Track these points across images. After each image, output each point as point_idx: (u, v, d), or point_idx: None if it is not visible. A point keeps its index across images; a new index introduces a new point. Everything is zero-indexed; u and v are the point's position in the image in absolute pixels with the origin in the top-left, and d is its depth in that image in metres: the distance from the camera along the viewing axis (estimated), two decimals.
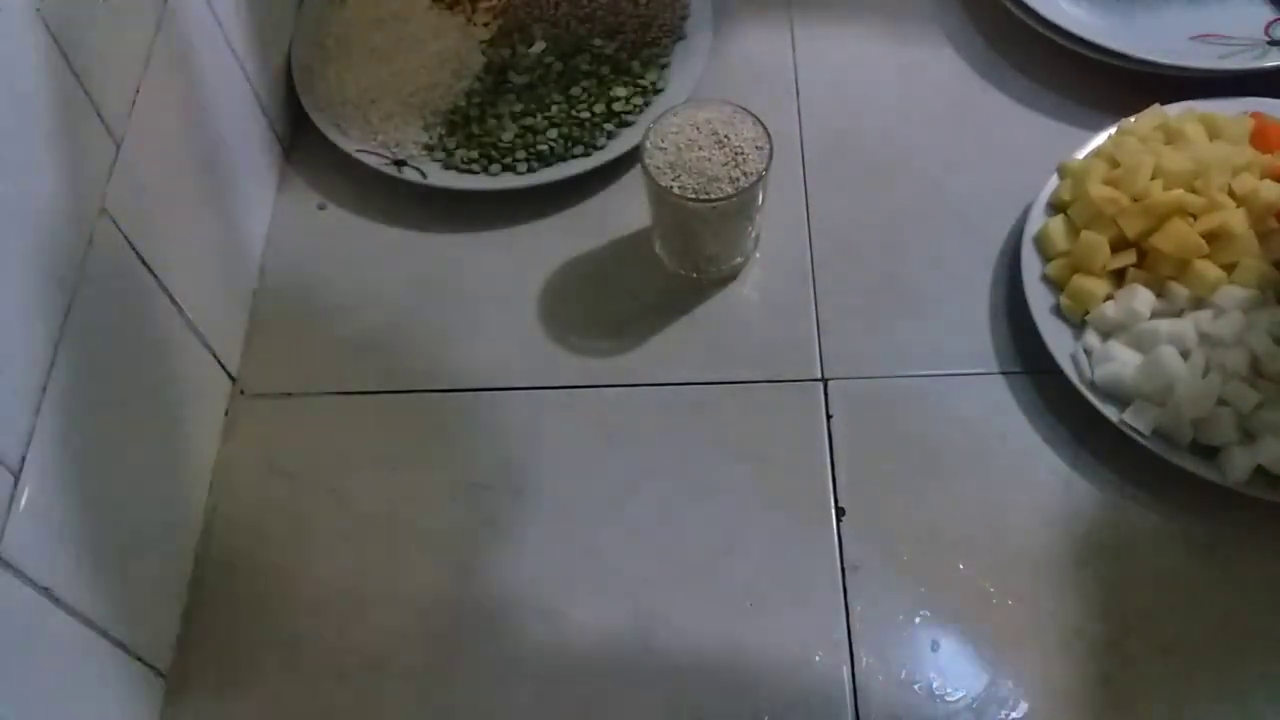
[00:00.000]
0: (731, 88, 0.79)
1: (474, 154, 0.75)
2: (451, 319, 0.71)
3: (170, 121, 0.63)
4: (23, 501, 0.48)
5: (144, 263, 0.59)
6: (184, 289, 0.63)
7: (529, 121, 0.76)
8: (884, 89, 0.80)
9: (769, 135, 0.66)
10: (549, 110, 0.76)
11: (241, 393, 0.69)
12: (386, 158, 0.76)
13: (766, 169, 0.65)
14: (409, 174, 0.75)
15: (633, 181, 0.76)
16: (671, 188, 0.65)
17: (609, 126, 0.77)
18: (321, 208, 0.77)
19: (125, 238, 0.57)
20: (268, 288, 0.74)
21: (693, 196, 0.65)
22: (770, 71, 0.81)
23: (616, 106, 0.77)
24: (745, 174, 0.65)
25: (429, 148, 0.76)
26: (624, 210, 0.75)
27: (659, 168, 0.66)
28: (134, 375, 0.58)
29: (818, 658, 0.59)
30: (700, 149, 0.66)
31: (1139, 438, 0.61)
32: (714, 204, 0.65)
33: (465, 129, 0.77)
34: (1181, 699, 0.57)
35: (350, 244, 0.75)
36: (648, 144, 0.67)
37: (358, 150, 0.76)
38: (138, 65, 0.60)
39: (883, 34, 0.83)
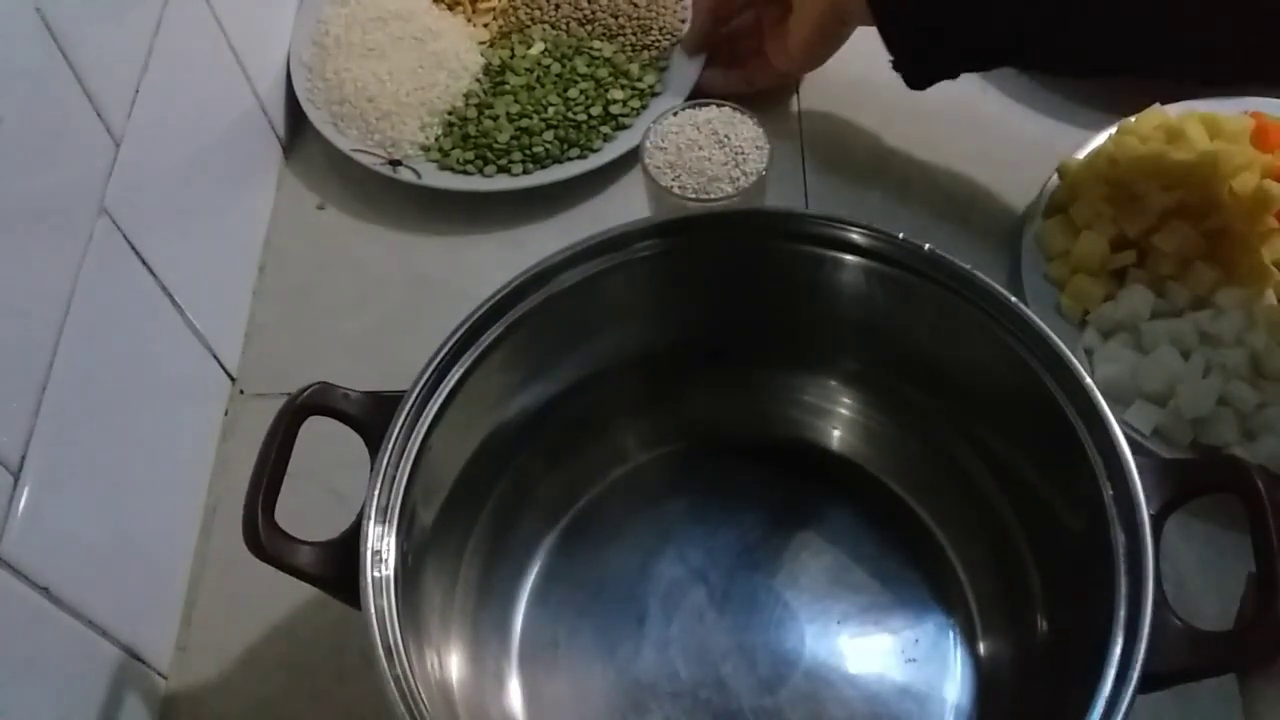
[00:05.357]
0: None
1: (469, 155, 0.75)
2: (451, 319, 0.71)
3: (170, 121, 0.63)
4: (22, 501, 0.48)
5: (144, 262, 0.59)
6: (184, 289, 0.63)
7: (525, 123, 0.76)
8: (884, 88, 0.79)
9: (768, 135, 0.66)
10: (546, 112, 0.76)
11: (241, 392, 0.69)
12: (382, 157, 0.76)
13: (766, 169, 0.65)
14: (404, 174, 0.75)
15: (631, 183, 0.76)
16: (671, 187, 0.65)
17: (605, 129, 0.76)
18: (321, 208, 0.77)
19: (125, 237, 0.57)
20: (267, 288, 0.74)
21: (693, 196, 0.65)
22: None
23: (613, 109, 0.77)
24: (745, 174, 0.65)
25: (425, 148, 0.76)
26: (622, 212, 0.74)
27: (659, 167, 0.66)
28: (133, 375, 0.58)
29: None
30: (700, 149, 0.66)
31: (1139, 438, 0.61)
32: (714, 204, 0.65)
33: (462, 129, 0.76)
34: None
35: (350, 244, 0.75)
36: (648, 144, 0.66)
37: (354, 150, 0.76)
38: (138, 65, 0.60)
39: None
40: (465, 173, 0.75)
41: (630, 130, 0.77)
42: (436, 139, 0.77)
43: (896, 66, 0.70)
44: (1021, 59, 0.73)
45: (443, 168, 0.75)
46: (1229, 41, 0.60)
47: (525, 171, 0.75)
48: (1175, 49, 0.62)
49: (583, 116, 0.76)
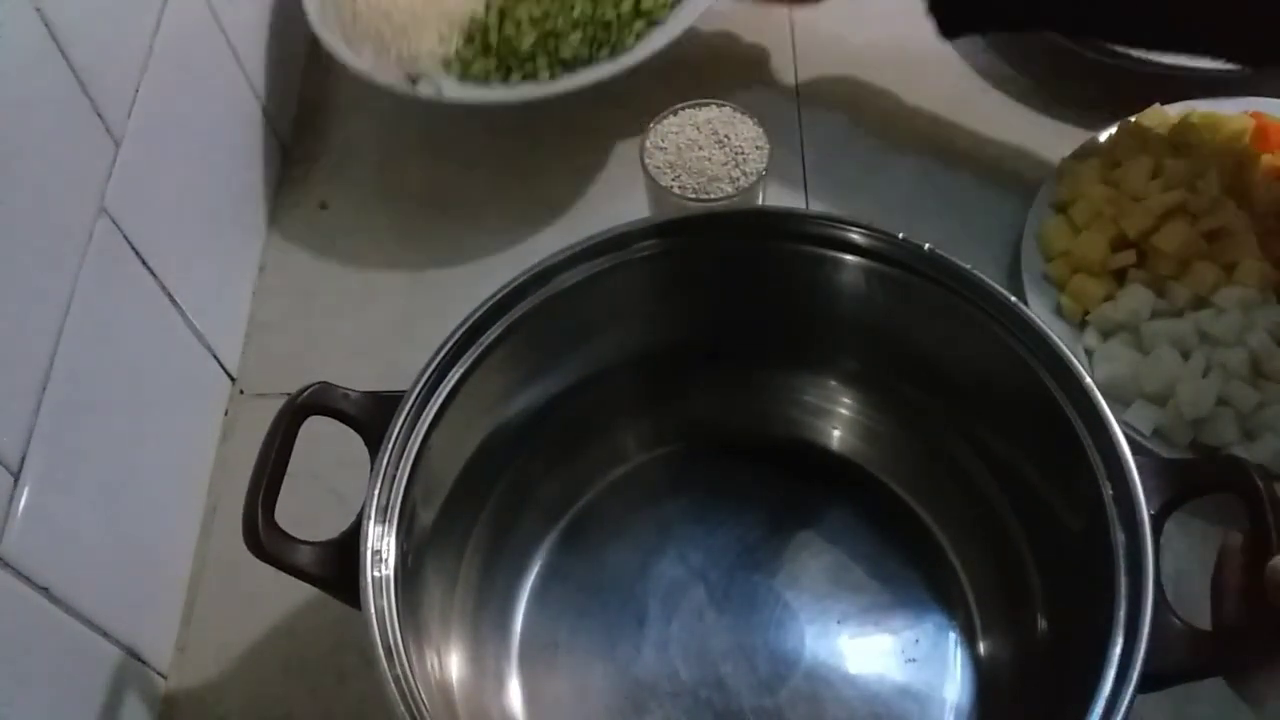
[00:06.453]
0: (732, 87, 0.79)
1: (492, 64, 0.70)
2: (451, 320, 0.71)
3: (170, 121, 0.63)
4: (22, 501, 0.48)
5: (144, 263, 0.59)
6: (184, 289, 0.63)
7: (550, 26, 0.71)
8: (885, 89, 0.80)
9: (768, 135, 0.66)
10: (571, 12, 0.71)
11: (241, 393, 0.69)
12: (401, 75, 0.70)
13: (766, 169, 0.65)
14: (424, 89, 0.70)
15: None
16: (671, 187, 0.65)
17: (637, 26, 0.72)
18: (323, 207, 0.77)
19: (125, 237, 0.57)
20: (268, 288, 0.74)
21: (693, 196, 0.65)
22: (770, 71, 0.81)
23: (645, 5, 0.73)
24: (745, 174, 0.65)
25: (445, 62, 0.71)
26: (624, 210, 0.74)
27: (659, 167, 0.66)
28: (134, 375, 0.58)
29: None
30: (700, 149, 0.66)
31: (1139, 438, 0.61)
32: (714, 204, 0.65)
33: (483, 39, 0.71)
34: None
35: (350, 244, 0.75)
36: (648, 144, 0.66)
37: (370, 70, 0.71)
38: (138, 65, 0.60)
39: (882, 33, 0.82)
40: (489, 84, 0.70)
41: (664, 26, 0.72)
42: (456, 51, 0.72)
43: (930, 10, 0.71)
44: (1050, 24, 0.72)
45: (464, 79, 0.70)
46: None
47: (553, 77, 0.70)
48: (1211, 20, 0.61)
49: (611, 15, 0.71)
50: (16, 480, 0.48)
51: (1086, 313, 0.66)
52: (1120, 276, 0.67)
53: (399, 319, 0.72)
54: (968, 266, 0.52)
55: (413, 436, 0.50)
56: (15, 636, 0.47)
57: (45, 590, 0.49)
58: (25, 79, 0.50)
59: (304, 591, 0.61)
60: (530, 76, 0.70)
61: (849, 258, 0.54)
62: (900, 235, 0.53)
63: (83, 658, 0.53)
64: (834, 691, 0.56)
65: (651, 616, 0.58)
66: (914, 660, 0.56)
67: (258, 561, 0.48)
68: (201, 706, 0.60)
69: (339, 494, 0.63)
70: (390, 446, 0.49)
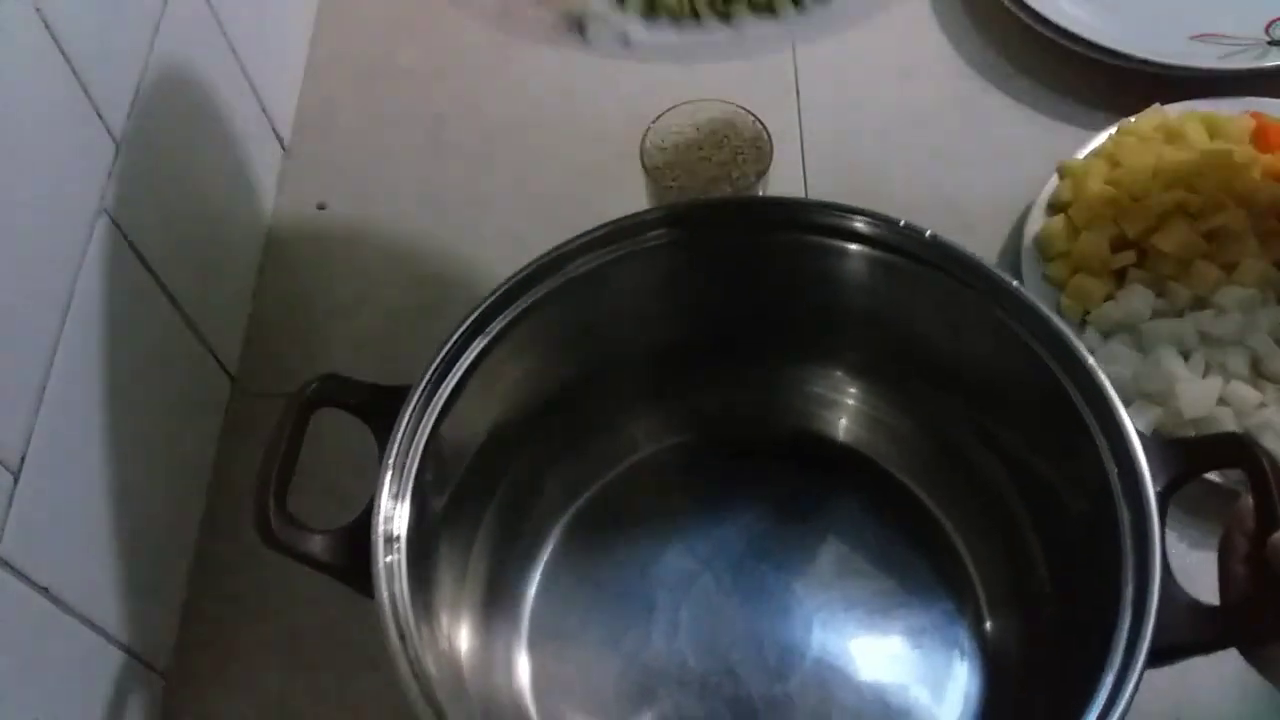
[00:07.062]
0: (732, 88, 0.79)
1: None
2: (451, 319, 0.71)
3: (170, 121, 0.63)
4: (23, 502, 0.48)
5: (144, 263, 0.59)
6: (184, 289, 0.63)
7: None
8: (884, 89, 0.80)
9: (769, 135, 0.66)
10: None
11: (242, 393, 0.69)
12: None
13: (766, 169, 0.65)
14: (597, 35, 0.51)
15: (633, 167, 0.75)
16: (672, 187, 0.65)
17: None
18: (321, 208, 0.77)
19: (125, 237, 0.57)
20: (268, 288, 0.74)
21: (693, 197, 0.65)
22: (770, 71, 0.81)
23: None
24: (745, 174, 0.66)
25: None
26: (624, 210, 0.74)
27: (659, 167, 0.66)
28: (134, 375, 0.58)
29: None
30: (700, 149, 0.66)
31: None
32: None
33: None
34: None
35: (350, 244, 0.75)
36: (648, 144, 0.66)
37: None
38: (138, 65, 0.60)
39: (882, 34, 0.82)
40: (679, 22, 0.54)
41: None
42: None
43: None
44: None
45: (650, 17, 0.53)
46: None
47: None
48: None
49: None
50: (16, 480, 0.48)
51: (1086, 313, 0.66)
52: (1120, 276, 0.67)
53: (398, 319, 0.72)
54: (969, 251, 0.53)
55: (422, 424, 0.50)
56: (15, 636, 0.47)
57: (45, 590, 0.49)
58: (25, 79, 0.50)
59: (304, 591, 0.61)
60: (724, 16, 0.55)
61: (853, 246, 0.55)
62: (902, 222, 0.53)
63: (83, 658, 0.53)
64: (843, 679, 0.56)
65: (660, 605, 0.58)
66: (922, 646, 0.56)
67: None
68: (201, 706, 0.60)
69: (344, 487, 0.62)
70: (400, 435, 0.49)
